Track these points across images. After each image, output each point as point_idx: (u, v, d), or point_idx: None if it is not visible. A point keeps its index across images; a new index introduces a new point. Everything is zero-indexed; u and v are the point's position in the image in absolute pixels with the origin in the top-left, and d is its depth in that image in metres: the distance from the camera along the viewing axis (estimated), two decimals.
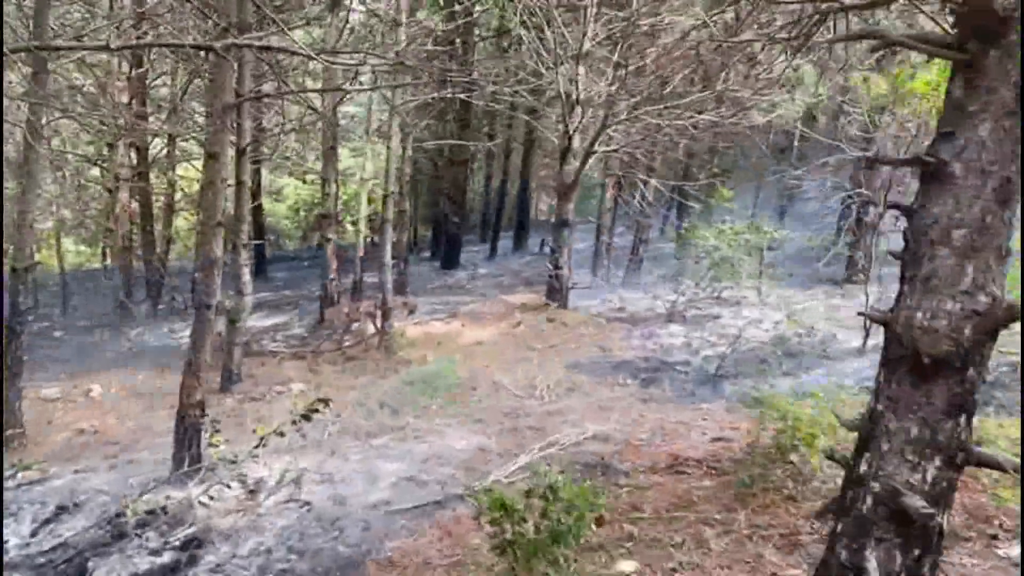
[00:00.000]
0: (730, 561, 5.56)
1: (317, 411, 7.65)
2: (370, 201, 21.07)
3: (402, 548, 6.59)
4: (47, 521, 7.54)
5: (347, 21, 16.12)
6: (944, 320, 3.64)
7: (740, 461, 7.41)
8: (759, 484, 6.65)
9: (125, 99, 17.43)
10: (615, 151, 17.49)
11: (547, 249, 22.14)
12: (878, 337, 11.97)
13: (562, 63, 15.01)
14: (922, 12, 5.80)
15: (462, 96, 16.71)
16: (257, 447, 7.58)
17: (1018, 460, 3.83)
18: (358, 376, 13.35)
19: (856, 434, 4.12)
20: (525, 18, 15.11)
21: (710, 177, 20.06)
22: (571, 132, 15.74)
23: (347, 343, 15.33)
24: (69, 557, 6.79)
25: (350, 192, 25.91)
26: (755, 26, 10.60)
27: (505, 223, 28.88)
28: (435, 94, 16.26)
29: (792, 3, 6.11)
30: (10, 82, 12.57)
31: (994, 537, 5.65)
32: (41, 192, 17.52)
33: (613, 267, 20.97)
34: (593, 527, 5.36)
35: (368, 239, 22.24)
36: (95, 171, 21.70)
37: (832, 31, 6.25)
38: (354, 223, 24.03)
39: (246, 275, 13.20)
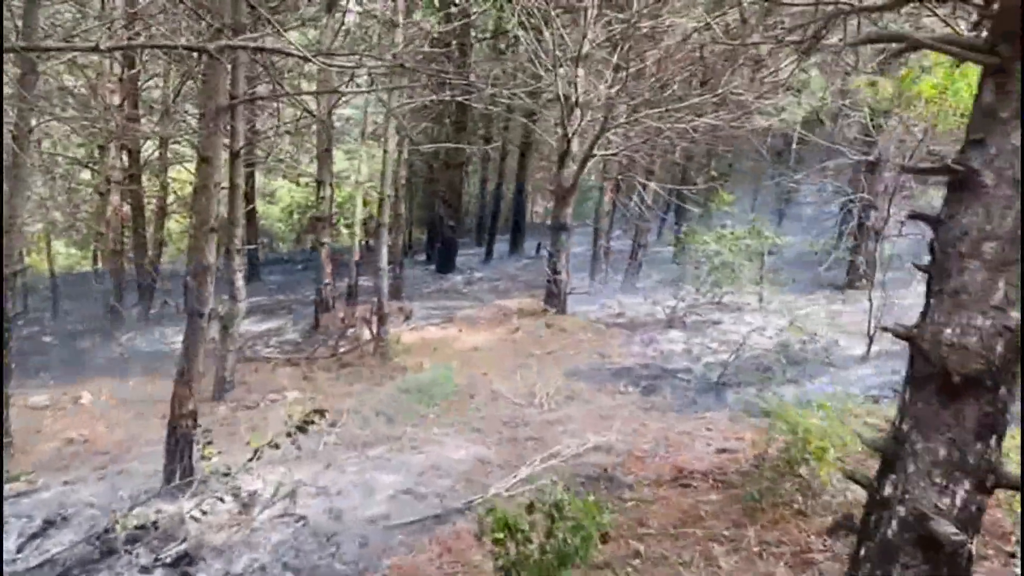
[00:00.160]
0: None
1: (312, 422, 7.48)
2: (365, 204, 20.85)
3: (400, 565, 6.39)
4: (34, 536, 7.29)
5: (343, 22, 15.95)
6: (974, 337, 3.48)
7: (747, 474, 7.24)
8: (768, 498, 6.48)
9: (117, 101, 17.15)
10: (614, 155, 17.31)
11: (543, 252, 21.93)
12: (881, 344, 11.81)
13: (561, 65, 14.83)
14: (935, 15, 5.63)
15: (459, 99, 16.52)
16: (251, 460, 7.39)
17: None
18: (353, 383, 13.13)
19: (874, 451, 3.96)
20: (523, 19, 14.92)
21: (708, 181, 19.91)
22: (570, 135, 15.56)
23: (342, 349, 15.10)
24: (56, 574, 6.57)
25: (345, 195, 25.68)
26: (760, 28, 10.44)
27: (501, 226, 28.68)
28: (432, 97, 16.07)
29: (803, 5, 5.93)
30: None
31: (1012, 555, 5.49)
32: (31, 194, 17.20)
33: (611, 271, 20.77)
34: (598, 544, 5.18)
35: (363, 242, 21.99)
36: (86, 174, 21.40)
37: (843, 33, 6.10)
38: (349, 226, 23.85)
39: (239, 280, 12.98)
